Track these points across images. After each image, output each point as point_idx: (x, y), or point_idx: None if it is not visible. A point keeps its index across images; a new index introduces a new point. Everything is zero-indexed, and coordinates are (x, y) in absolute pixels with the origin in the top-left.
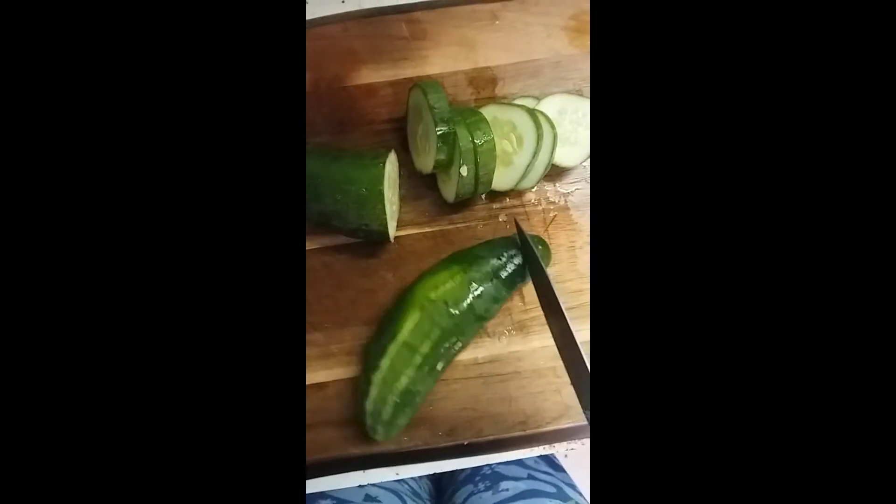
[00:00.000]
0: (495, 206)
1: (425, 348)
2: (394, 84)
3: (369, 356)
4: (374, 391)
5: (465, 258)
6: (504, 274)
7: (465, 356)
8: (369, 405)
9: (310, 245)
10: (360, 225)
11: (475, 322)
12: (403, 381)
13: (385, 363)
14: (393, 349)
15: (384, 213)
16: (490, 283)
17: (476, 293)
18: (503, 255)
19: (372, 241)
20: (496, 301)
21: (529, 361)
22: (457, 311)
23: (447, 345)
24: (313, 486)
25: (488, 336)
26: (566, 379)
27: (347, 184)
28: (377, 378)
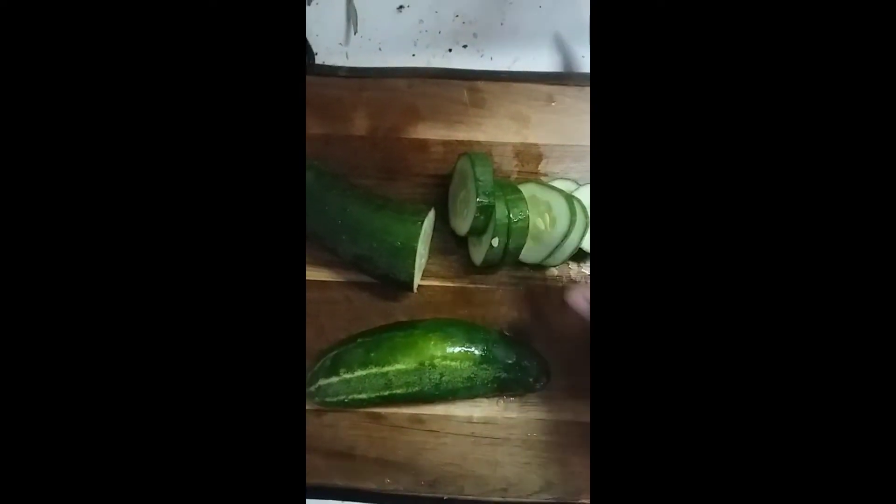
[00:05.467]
0: (518, 274)
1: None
2: (445, 143)
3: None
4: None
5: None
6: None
7: (461, 412)
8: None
9: (337, 278)
10: (388, 272)
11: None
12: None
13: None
14: (364, 373)
15: (413, 266)
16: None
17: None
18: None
19: (396, 287)
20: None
21: (522, 430)
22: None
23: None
24: None
25: (486, 397)
26: (554, 455)
27: (385, 234)
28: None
